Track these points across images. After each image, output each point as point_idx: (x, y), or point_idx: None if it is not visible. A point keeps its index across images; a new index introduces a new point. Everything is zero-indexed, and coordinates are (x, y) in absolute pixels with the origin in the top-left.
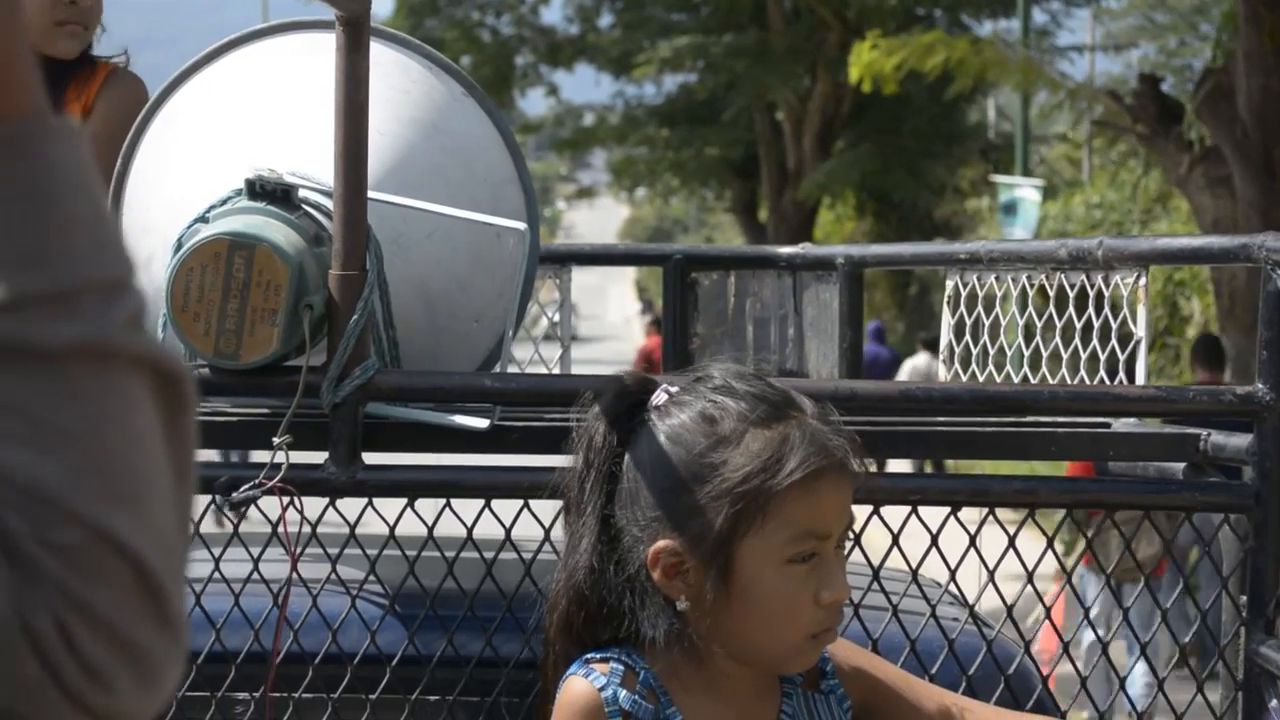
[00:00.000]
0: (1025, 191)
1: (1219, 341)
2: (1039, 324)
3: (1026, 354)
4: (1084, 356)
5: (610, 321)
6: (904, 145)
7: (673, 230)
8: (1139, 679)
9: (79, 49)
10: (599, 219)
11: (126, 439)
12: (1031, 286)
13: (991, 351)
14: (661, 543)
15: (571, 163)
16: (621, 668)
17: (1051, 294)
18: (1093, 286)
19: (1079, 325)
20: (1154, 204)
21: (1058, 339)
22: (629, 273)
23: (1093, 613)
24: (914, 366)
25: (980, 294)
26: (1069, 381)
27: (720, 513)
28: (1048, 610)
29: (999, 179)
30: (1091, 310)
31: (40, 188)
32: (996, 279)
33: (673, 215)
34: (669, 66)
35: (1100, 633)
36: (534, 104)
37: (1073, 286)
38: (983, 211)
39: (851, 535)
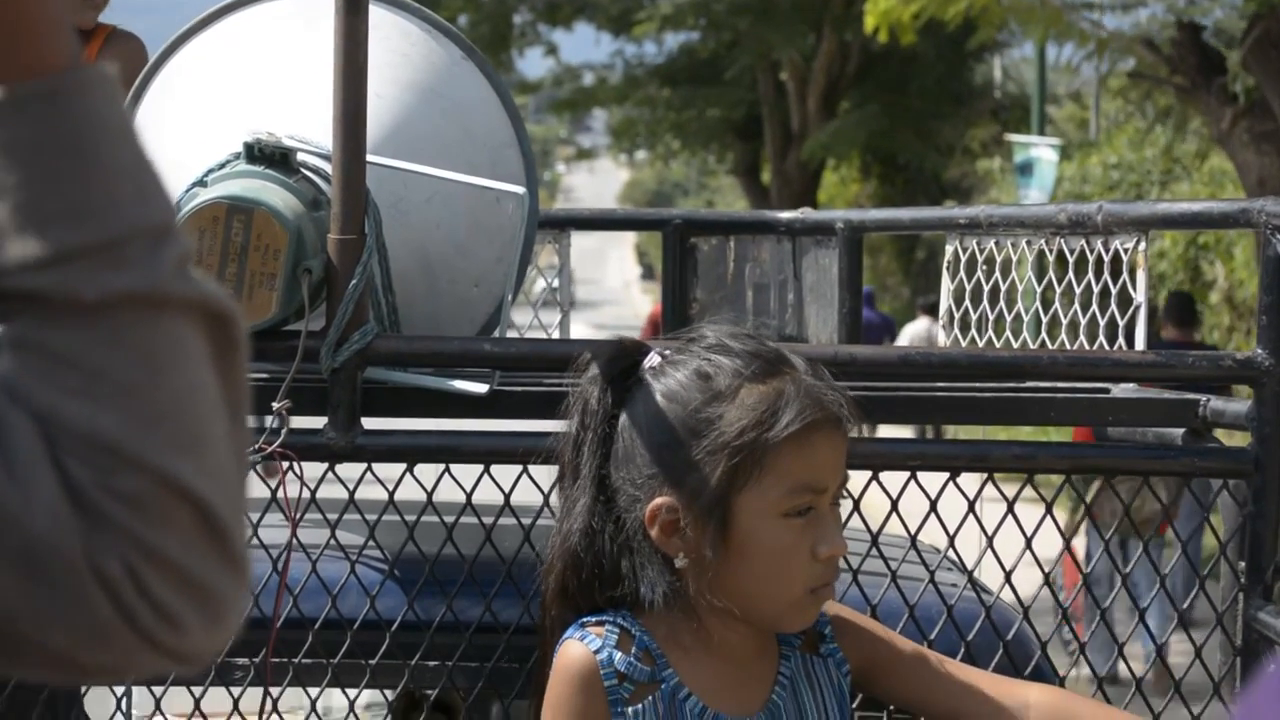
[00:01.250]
0: (1042, 151)
1: (1191, 299)
2: (1038, 289)
3: (1026, 319)
4: (1083, 321)
5: (609, 286)
6: (911, 106)
7: (673, 194)
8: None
9: (96, 18)
10: (598, 183)
11: (183, 385)
12: (1031, 251)
13: (991, 317)
14: (659, 500)
15: (571, 125)
16: (617, 631)
17: (1051, 258)
18: (1092, 251)
19: (1078, 290)
20: (1174, 164)
21: (1073, 304)
22: (629, 237)
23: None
24: (914, 332)
25: (980, 259)
26: (1069, 346)
27: (717, 467)
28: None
29: (1014, 138)
30: (1091, 275)
31: (83, 139)
32: (996, 244)
33: (673, 179)
34: (670, 24)
35: (1100, 594)
36: (532, 64)
37: (1072, 251)
38: (994, 173)
39: (849, 498)
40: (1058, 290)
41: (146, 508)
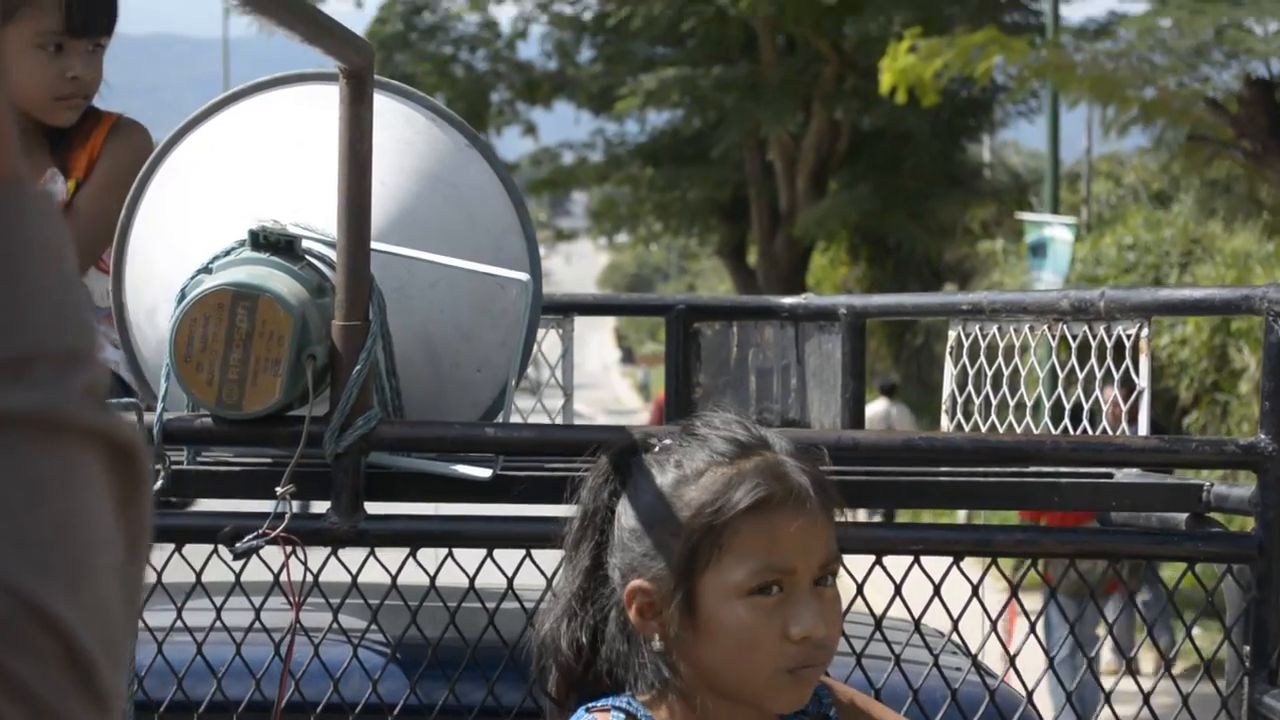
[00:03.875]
0: (1056, 230)
1: None
2: (1060, 373)
3: (1031, 403)
4: (1086, 406)
5: (589, 370)
6: (904, 185)
7: (653, 278)
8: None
9: (75, 118)
10: (577, 267)
11: (68, 512)
12: (1034, 337)
13: (995, 402)
14: (635, 582)
15: (550, 209)
16: (622, 715)
17: (1054, 343)
18: (1094, 337)
19: (1081, 374)
20: (1194, 245)
21: (1078, 389)
22: (608, 322)
23: (1058, 635)
24: (872, 414)
25: (983, 344)
26: (1073, 432)
27: (679, 548)
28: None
29: (1026, 217)
30: (1094, 360)
31: (4, 253)
32: (999, 330)
33: (653, 262)
34: (654, 100)
35: (1063, 656)
36: (510, 144)
37: (1075, 336)
38: (996, 254)
39: (854, 581)
40: (1061, 375)
41: (5, 631)
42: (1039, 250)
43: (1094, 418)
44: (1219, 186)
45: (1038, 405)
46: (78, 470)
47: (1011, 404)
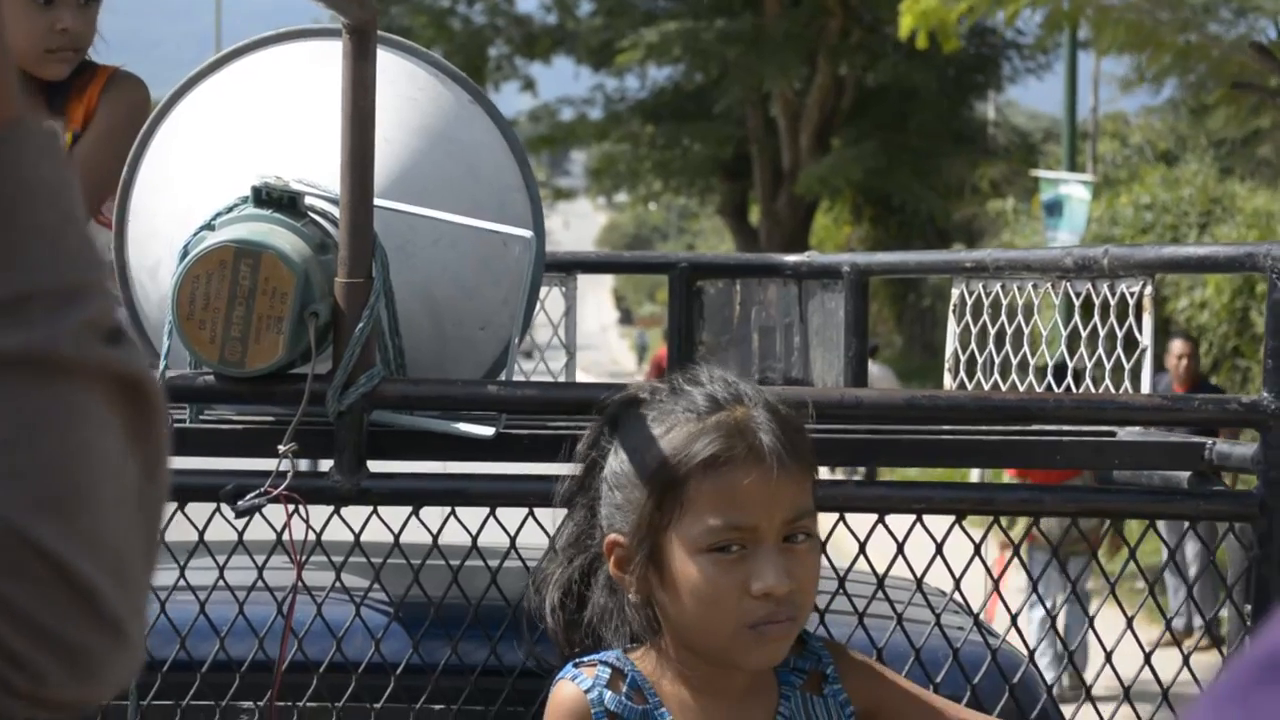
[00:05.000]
0: (1073, 189)
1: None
2: (1064, 332)
3: (1033, 363)
4: (1089, 365)
5: (587, 330)
6: (909, 143)
7: (652, 238)
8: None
9: (68, 72)
10: (575, 227)
11: (63, 448)
12: (1037, 295)
13: (998, 360)
14: (612, 535)
15: (549, 168)
16: (608, 670)
17: (1071, 300)
18: (1098, 295)
19: (1085, 334)
20: (1213, 204)
21: (1086, 349)
22: (606, 282)
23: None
24: None
25: (986, 303)
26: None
27: (646, 503)
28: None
29: (1042, 174)
30: (1096, 319)
31: (5, 196)
32: (1003, 288)
33: (652, 222)
34: (655, 54)
35: (1049, 606)
36: (508, 100)
37: (1079, 294)
38: (1007, 214)
39: (856, 540)
40: (1064, 333)
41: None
42: (1054, 209)
43: (1097, 376)
44: (1229, 145)
45: (1041, 364)
46: (77, 407)
47: (1015, 363)
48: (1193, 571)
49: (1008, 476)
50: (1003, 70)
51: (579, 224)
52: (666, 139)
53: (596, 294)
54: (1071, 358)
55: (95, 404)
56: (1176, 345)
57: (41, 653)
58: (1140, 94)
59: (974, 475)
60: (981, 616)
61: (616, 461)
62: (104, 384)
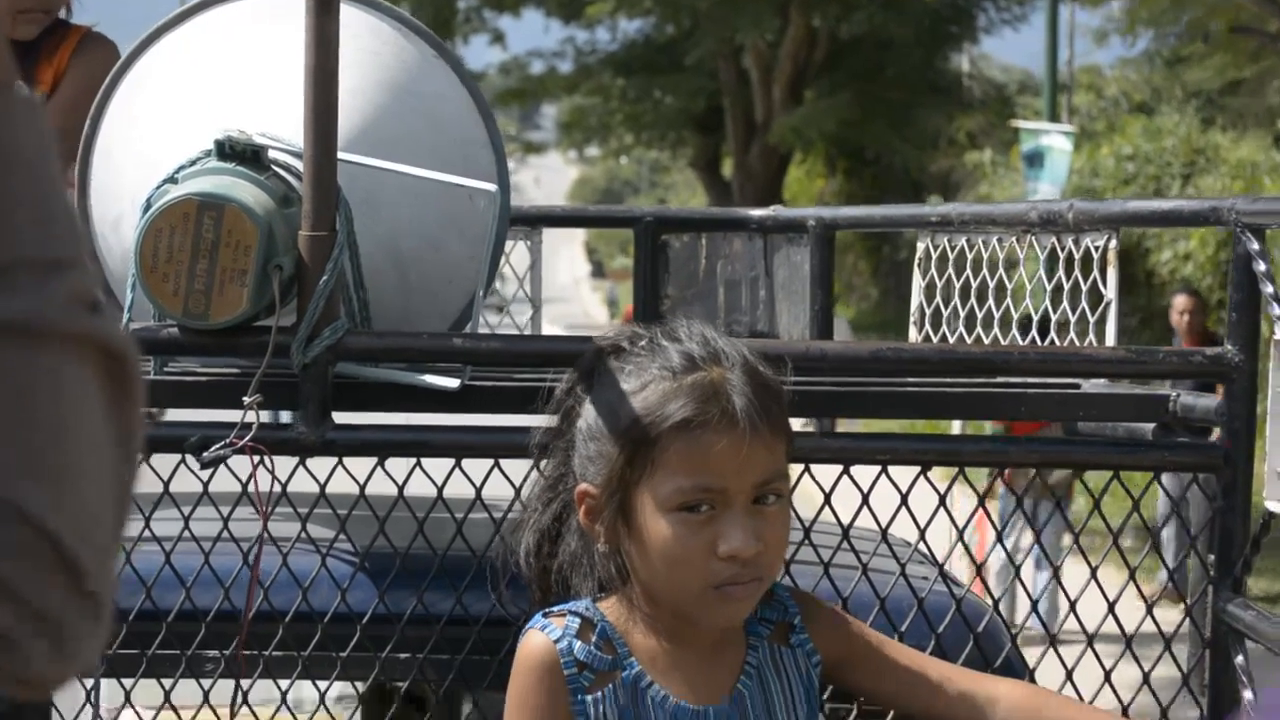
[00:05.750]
0: (1054, 139)
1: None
2: (1047, 286)
3: (997, 316)
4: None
5: (560, 283)
6: (885, 95)
7: (623, 192)
8: (1044, 598)
9: (38, 32)
10: (546, 181)
11: (52, 417)
12: (1002, 249)
13: (962, 313)
14: (582, 485)
15: (520, 122)
16: (578, 620)
17: (1020, 254)
18: (1063, 249)
19: (1049, 287)
20: (1196, 155)
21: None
22: (579, 235)
23: (1008, 536)
24: None
25: (951, 256)
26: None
27: (616, 457)
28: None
29: (1022, 124)
30: (1061, 272)
31: None
32: (967, 241)
33: (623, 176)
34: (625, 6)
35: (1009, 543)
36: (477, 53)
37: (1043, 248)
38: (984, 166)
39: (823, 492)
40: (1028, 287)
41: None
42: (1035, 160)
43: (1062, 329)
44: (1205, 97)
45: (1025, 316)
46: (64, 376)
47: (979, 316)
48: (1165, 530)
49: (990, 428)
50: (978, 22)
51: (550, 178)
52: (637, 92)
53: (569, 247)
54: (1055, 310)
55: (80, 373)
56: (1179, 301)
57: (27, 629)
58: (1115, 46)
59: (955, 427)
60: (973, 577)
61: (591, 412)
62: (87, 353)
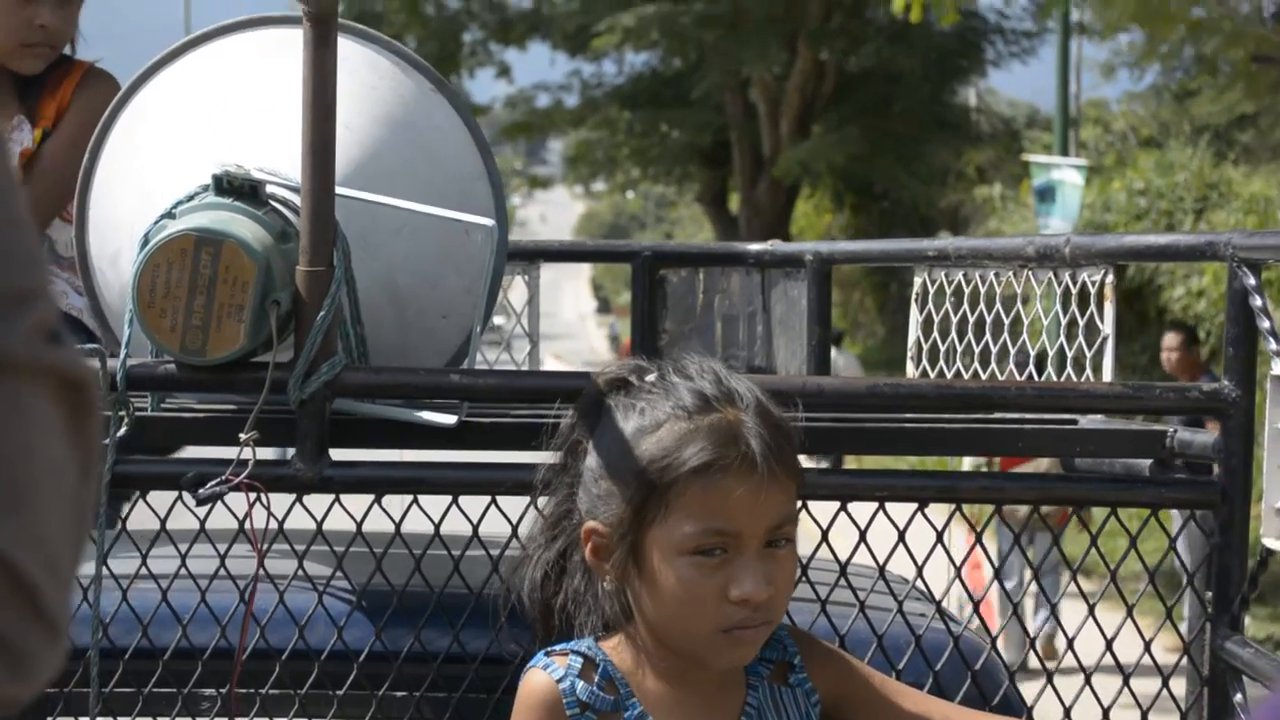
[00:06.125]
0: (1065, 174)
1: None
2: (1062, 320)
3: (994, 350)
4: (1070, 353)
5: (565, 319)
6: (893, 129)
7: (629, 227)
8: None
9: (43, 67)
10: (553, 216)
11: (13, 447)
12: (999, 284)
13: (959, 349)
14: (590, 523)
15: (526, 157)
16: (580, 659)
17: (1017, 288)
18: (1060, 283)
19: (1046, 320)
20: (1209, 190)
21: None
22: (584, 270)
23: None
24: None
25: (949, 291)
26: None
27: (630, 498)
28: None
29: (1034, 159)
30: (1058, 306)
31: None
32: (965, 276)
33: (629, 211)
34: (632, 38)
35: (1011, 586)
36: (483, 86)
37: (1040, 283)
38: (994, 200)
39: (819, 529)
40: (1025, 322)
41: None
42: (1046, 195)
43: (1077, 365)
44: (1214, 131)
45: (1004, 351)
46: (24, 406)
47: (976, 351)
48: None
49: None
50: (986, 55)
51: (557, 213)
52: (644, 125)
53: (574, 284)
54: (1066, 346)
55: (42, 404)
56: (1167, 339)
57: None
58: (1122, 80)
59: (966, 464)
60: (974, 611)
61: (600, 450)
62: (50, 384)
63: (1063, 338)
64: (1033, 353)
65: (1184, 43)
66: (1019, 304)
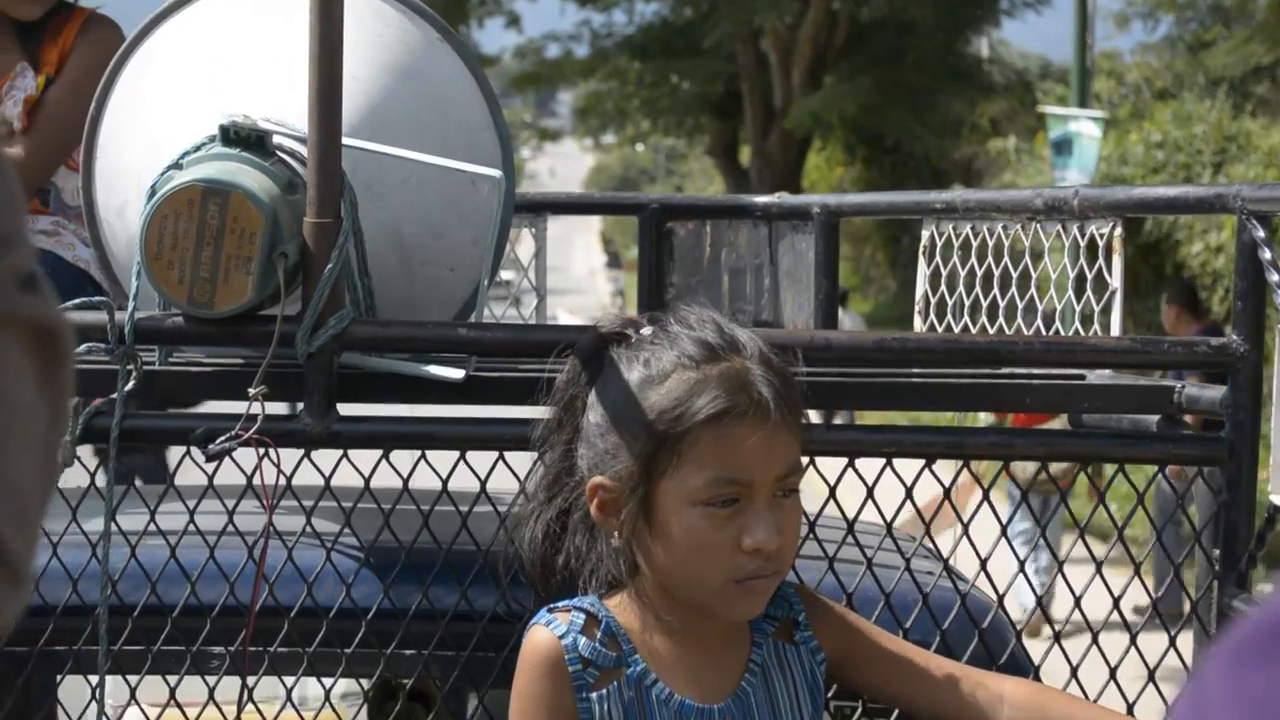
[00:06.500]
0: (1082, 125)
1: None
2: (1071, 274)
3: (1002, 304)
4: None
5: (575, 274)
6: (905, 80)
7: (639, 180)
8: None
9: (43, 12)
10: (563, 168)
11: None
12: (1007, 236)
13: (967, 303)
14: (596, 479)
15: (536, 109)
16: (583, 616)
17: (1025, 241)
18: (1068, 235)
19: (1054, 274)
20: (1228, 142)
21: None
22: (594, 225)
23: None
24: None
25: (956, 244)
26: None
27: (639, 450)
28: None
29: (1050, 110)
30: (1066, 260)
31: None
32: (972, 229)
33: (639, 164)
34: None
35: (1019, 547)
36: (492, 36)
37: (1047, 235)
38: (1008, 153)
39: (827, 485)
40: (1034, 276)
41: None
42: (1063, 147)
43: (1074, 319)
44: (1229, 84)
45: (1011, 305)
46: None
47: (984, 305)
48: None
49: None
50: (1000, 4)
51: (566, 166)
52: (654, 76)
53: (585, 237)
54: (1081, 300)
55: (12, 350)
56: (1164, 312)
57: None
58: (1136, 31)
59: (982, 419)
60: (981, 569)
61: (604, 403)
62: (20, 331)
63: (1071, 292)
64: (1041, 307)
65: None
66: (1026, 258)
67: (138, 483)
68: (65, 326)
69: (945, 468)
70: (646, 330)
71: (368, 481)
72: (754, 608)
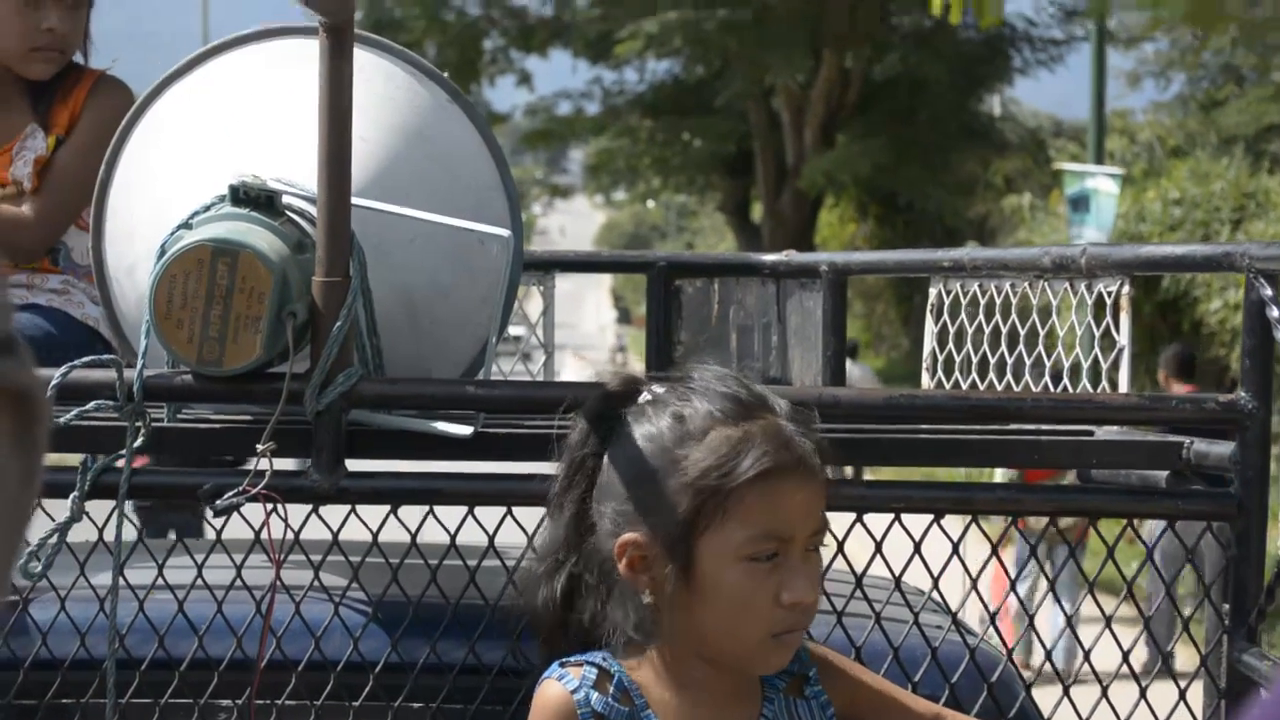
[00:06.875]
0: (1100, 182)
1: (1191, 353)
2: (1079, 333)
3: (1010, 361)
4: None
5: (586, 330)
6: (918, 138)
7: (650, 237)
8: (1060, 640)
9: (54, 72)
10: (574, 226)
11: None
12: (1015, 294)
13: (975, 360)
14: (628, 535)
15: (547, 166)
16: (595, 670)
17: (1033, 299)
18: (1075, 294)
19: (1061, 332)
20: (1246, 200)
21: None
22: (605, 281)
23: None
24: None
25: (964, 301)
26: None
27: (681, 507)
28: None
29: (1068, 167)
30: (1074, 318)
31: None
32: (980, 287)
33: (650, 221)
34: (654, 45)
35: (1025, 598)
36: (504, 94)
37: (1055, 294)
38: (1023, 211)
39: (834, 539)
40: (1041, 334)
41: None
42: (1080, 204)
43: (1090, 376)
44: (1243, 142)
45: (1020, 362)
46: None
47: (992, 362)
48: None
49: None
50: (1013, 63)
51: (577, 223)
52: (666, 134)
53: (596, 294)
54: (1090, 357)
55: None
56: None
57: None
58: (1147, 90)
59: (998, 475)
60: (989, 623)
61: (629, 459)
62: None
63: (1080, 349)
64: (1049, 364)
65: (1234, 44)
66: (1034, 315)
67: (171, 535)
68: (40, 390)
69: (954, 523)
70: (659, 389)
71: (375, 536)
72: (784, 660)
